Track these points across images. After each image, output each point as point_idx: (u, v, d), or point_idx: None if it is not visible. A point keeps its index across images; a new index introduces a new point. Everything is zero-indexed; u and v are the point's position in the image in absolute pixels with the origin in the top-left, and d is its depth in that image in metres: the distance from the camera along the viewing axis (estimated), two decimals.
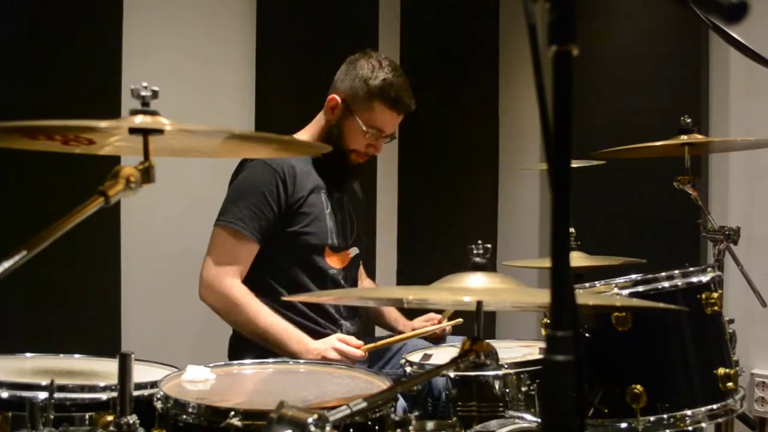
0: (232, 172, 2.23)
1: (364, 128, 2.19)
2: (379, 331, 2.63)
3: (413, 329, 2.35)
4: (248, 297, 2.08)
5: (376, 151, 2.27)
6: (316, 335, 2.09)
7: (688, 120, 2.18)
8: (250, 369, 1.68)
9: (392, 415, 1.33)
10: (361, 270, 2.47)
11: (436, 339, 2.29)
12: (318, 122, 2.30)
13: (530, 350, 1.96)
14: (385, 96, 2.17)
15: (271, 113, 2.61)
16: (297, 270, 2.17)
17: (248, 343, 2.11)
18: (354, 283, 2.35)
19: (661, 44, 3.13)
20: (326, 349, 1.99)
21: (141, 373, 1.49)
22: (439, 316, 2.34)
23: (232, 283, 2.09)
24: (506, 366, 1.71)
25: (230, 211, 2.12)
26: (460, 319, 2.19)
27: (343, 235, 2.29)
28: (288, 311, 2.16)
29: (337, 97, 2.22)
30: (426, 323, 2.34)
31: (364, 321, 2.43)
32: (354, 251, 2.33)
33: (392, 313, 2.52)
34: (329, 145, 2.18)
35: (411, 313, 2.46)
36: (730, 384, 1.73)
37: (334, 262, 2.24)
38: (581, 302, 1.31)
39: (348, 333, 2.17)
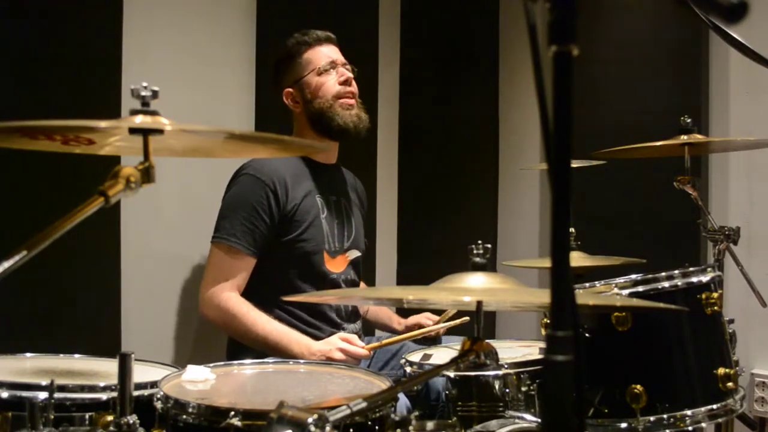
0: (227, 185, 2.24)
1: (317, 77, 2.25)
2: (378, 333, 2.63)
3: (407, 327, 2.35)
4: (245, 307, 2.09)
5: (348, 80, 2.28)
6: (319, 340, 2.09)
7: (688, 120, 2.18)
8: (250, 369, 1.68)
9: (392, 415, 1.33)
10: None
11: (431, 340, 2.29)
12: (298, 121, 2.32)
13: (530, 350, 1.96)
14: (301, 44, 2.29)
15: (271, 113, 2.60)
16: (296, 277, 2.16)
17: (245, 345, 2.12)
18: (355, 285, 2.34)
19: (661, 44, 3.13)
20: (331, 350, 1.98)
21: (141, 373, 1.49)
22: (434, 317, 2.33)
23: (229, 296, 2.10)
24: (506, 366, 1.71)
25: (223, 227, 2.14)
26: (467, 318, 2.18)
27: (340, 238, 2.28)
28: (290, 318, 2.16)
29: (286, 90, 2.30)
30: (424, 320, 2.34)
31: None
32: (353, 254, 2.32)
33: (386, 312, 2.52)
34: (323, 124, 2.22)
35: (409, 314, 2.46)
36: (730, 384, 1.73)
37: (332, 267, 2.24)
38: (581, 302, 1.31)
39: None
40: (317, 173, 2.28)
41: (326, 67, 2.26)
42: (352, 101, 2.27)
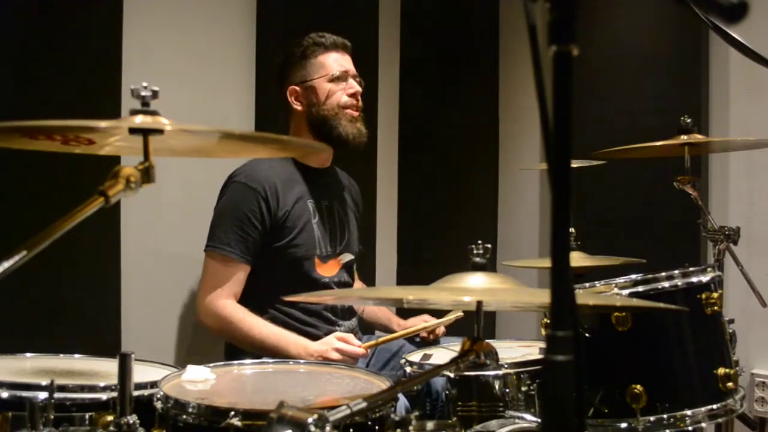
0: (219, 192, 2.24)
1: (327, 83, 2.24)
2: (377, 333, 2.63)
3: (406, 328, 2.35)
4: (242, 313, 2.11)
5: (357, 94, 2.27)
6: (316, 340, 2.09)
7: (688, 120, 2.18)
8: (250, 369, 1.68)
9: (392, 415, 1.33)
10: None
11: (430, 342, 2.29)
12: (296, 121, 2.31)
13: (530, 350, 1.96)
14: (317, 46, 2.26)
15: (271, 113, 2.60)
16: (288, 283, 2.16)
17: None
18: (348, 288, 2.34)
19: (661, 44, 3.13)
20: (327, 350, 1.99)
21: (141, 373, 1.49)
22: (433, 318, 2.33)
23: (226, 303, 2.12)
24: (506, 366, 1.71)
25: (216, 236, 2.15)
26: (461, 313, 2.18)
27: (333, 243, 2.28)
28: (286, 318, 2.16)
29: (291, 87, 2.28)
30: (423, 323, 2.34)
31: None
32: (346, 257, 2.32)
33: (385, 313, 2.51)
34: (324, 130, 2.22)
35: (409, 314, 2.46)
36: (730, 384, 1.73)
37: (324, 271, 2.24)
38: (581, 302, 1.31)
39: (347, 332, 2.17)
40: (309, 178, 2.28)
41: (339, 75, 2.24)
42: (357, 113, 2.26)
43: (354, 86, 2.26)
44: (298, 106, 2.28)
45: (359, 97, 2.28)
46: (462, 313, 2.18)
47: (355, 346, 2.01)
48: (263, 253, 2.16)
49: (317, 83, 2.25)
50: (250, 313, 2.11)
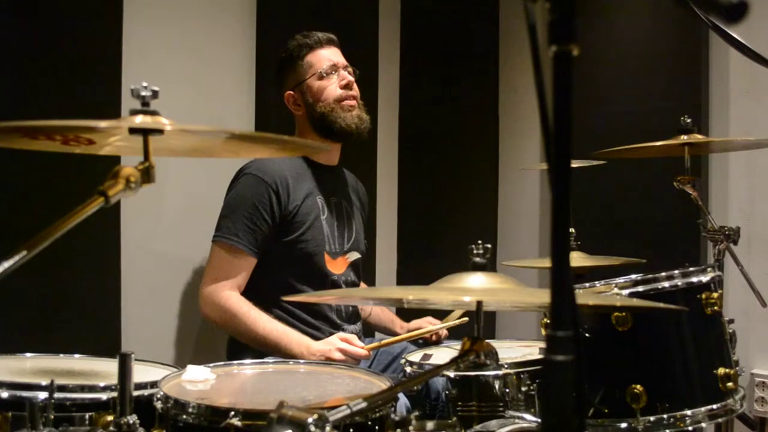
0: (229, 185, 2.24)
1: (317, 81, 2.25)
2: (378, 335, 2.63)
3: (409, 331, 2.35)
4: (246, 306, 2.10)
5: (350, 84, 2.27)
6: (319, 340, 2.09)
7: (688, 120, 2.19)
8: (250, 369, 1.68)
9: (392, 415, 1.33)
10: None
11: (433, 343, 2.29)
12: (300, 123, 2.33)
13: (530, 350, 1.96)
14: (301, 47, 2.28)
15: (271, 113, 2.60)
16: (296, 278, 2.17)
17: (245, 344, 2.12)
18: (355, 287, 2.34)
19: (661, 44, 3.13)
20: (330, 350, 1.98)
21: (141, 373, 1.50)
22: (437, 321, 2.33)
23: (230, 295, 2.11)
24: (506, 366, 1.71)
25: (225, 226, 2.15)
26: (466, 318, 2.18)
27: (341, 240, 2.28)
28: (290, 318, 2.16)
29: (287, 93, 2.30)
30: (426, 324, 2.34)
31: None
32: (353, 256, 2.33)
33: (388, 315, 2.51)
34: (325, 127, 2.23)
35: (409, 314, 2.46)
36: (730, 384, 1.73)
37: (333, 268, 2.24)
38: (581, 302, 1.31)
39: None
40: (319, 174, 2.28)
41: (327, 70, 2.25)
42: (353, 102, 2.27)
43: (345, 77, 2.27)
44: (297, 110, 2.29)
45: (354, 86, 2.28)
46: (467, 319, 2.17)
47: (358, 347, 2.00)
48: (272, 248, 2.16)
49: (309, 83, 2.26)
50: (254, 308, 2.10)
